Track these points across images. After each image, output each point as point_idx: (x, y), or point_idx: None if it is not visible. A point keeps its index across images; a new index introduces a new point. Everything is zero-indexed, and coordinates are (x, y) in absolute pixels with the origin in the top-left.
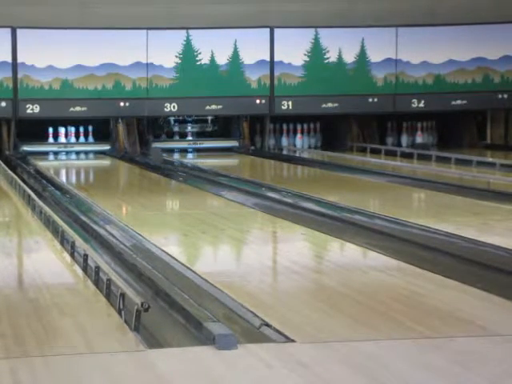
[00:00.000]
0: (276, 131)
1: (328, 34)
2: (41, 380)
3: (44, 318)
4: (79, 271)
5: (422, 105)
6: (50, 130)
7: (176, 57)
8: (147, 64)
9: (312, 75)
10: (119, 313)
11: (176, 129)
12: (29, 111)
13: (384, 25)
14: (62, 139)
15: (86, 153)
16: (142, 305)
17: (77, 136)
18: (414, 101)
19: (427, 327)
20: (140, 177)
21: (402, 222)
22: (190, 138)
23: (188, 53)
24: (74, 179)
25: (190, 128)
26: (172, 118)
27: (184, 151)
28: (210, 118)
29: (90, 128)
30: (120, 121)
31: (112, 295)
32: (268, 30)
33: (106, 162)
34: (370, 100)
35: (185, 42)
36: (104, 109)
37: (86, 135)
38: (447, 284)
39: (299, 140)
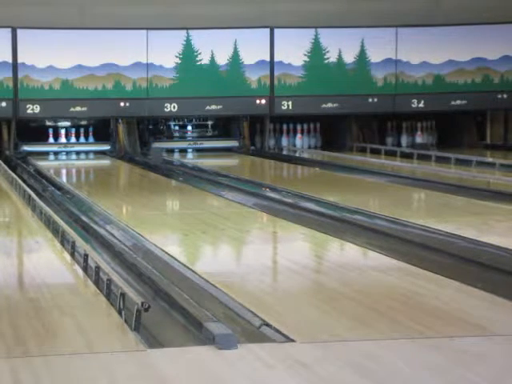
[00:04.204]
0: (276, 131)
1: (328, 34)
2: (41, 380)
3: (44, 317)
4: (79, 271)
5: (421, 105)
6: (51, 130)
7: (176, 57)
8: (147, 64)
9: (312, 75)
10: (119, 313)
11: (176, 134)
12: (29, 111)
13: (384, 25)
14: (63, 139)
15: (87, 153)
16: (142, 304)
17: (77, 136)
18: (414, 101)
19: (427, 327)
20: (140, 177)
21: (402, 221)
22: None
23: (188, 53)
24: (74, 179)
25: (190, 133)
26: (172, 123)
27: (184, 151)
28: (210, 123)
29: (91, 128)
30: (120, 121)
31: (112, 295)
32: (268, 30)
33: (106, 161)
34: (370, 100)
35: (185, 42)
36: (104, 109)
37: (86, 135)
38: (447, 284)
39: (299, 140)
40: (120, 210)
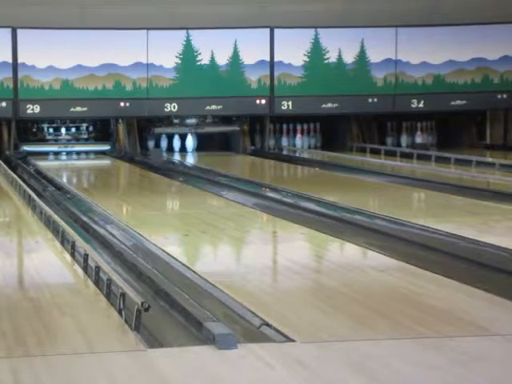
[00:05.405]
0: (276, 131)
1: (328, 34)
2: (41, 379)
3: (44, 317)
4: (80, 271)
5: (421, 105)
6: (51, 130)
7: (176, 57)
8: (147, 64)
9: (312, 75)
10: (119, 312)
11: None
12: (29, 111)
13: (384, 25)
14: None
15: (87, 153)
16: (142, 304)
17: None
18: (414, 101)
19: (427, 327)
20: (140, 177)
21: (402, 221)
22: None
23: (188, 53)
24: (74, 179)
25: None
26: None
27: (184, 151)
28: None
29: (91, 128)
30: (120, 121)
31: (112, 295)
32: (268, 30)
33: (106, 161)
34: (370, 100)
35: (185, 42)
36: (104, 109)
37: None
38: (447, 284)
39: (299, 140)
40: (120, 209)
